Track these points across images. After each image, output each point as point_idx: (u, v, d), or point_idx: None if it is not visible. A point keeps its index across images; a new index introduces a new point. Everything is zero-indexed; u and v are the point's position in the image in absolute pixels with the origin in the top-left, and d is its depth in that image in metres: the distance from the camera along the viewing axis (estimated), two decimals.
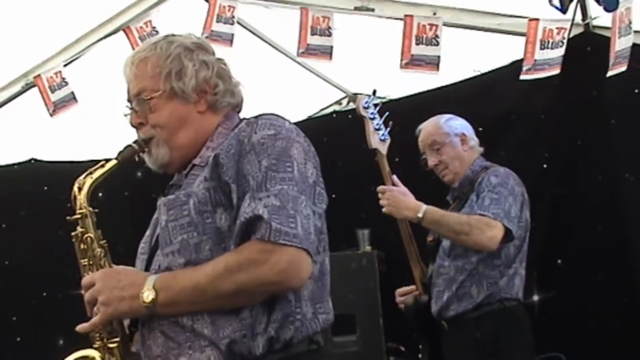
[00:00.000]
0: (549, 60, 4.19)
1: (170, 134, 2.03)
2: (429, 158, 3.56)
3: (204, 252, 1.88)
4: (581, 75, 4.24)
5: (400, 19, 4.65)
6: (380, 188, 3.40)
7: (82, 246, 2.00)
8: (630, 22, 3.69)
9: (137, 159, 2.08)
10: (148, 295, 1.84)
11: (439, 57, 4.44)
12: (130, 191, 5.50)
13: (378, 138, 3.41)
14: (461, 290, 3.34)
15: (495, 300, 3.31)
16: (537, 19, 4.24)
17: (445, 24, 4.47)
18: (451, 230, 3.28)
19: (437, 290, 3.42)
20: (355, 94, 7.06)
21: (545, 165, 4.40)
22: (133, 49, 5.19)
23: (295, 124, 2.00)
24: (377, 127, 3.40)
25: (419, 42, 4.51)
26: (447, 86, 4.85)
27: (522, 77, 4.22)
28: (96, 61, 5.42)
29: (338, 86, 6.82)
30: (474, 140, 3.59)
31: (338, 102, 7.11)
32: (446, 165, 3.53)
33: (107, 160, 2.05)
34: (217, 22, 5.07)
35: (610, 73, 3.80)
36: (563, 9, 3.72)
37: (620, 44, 3.74)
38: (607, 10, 3.29)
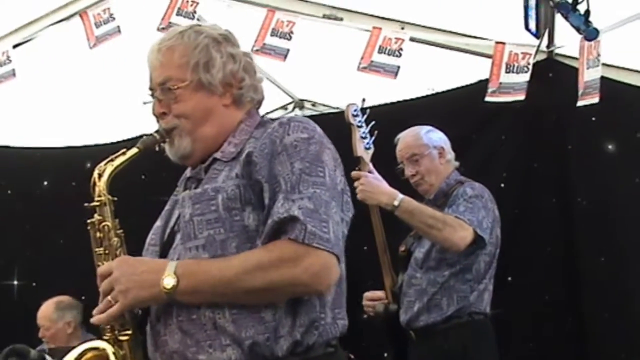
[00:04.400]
0: (514, 85, 4.34)
1: (195, 125, 2.02)
2: (406, 168, 3.61)
3: (229, 250, 1.86)
4: (542, 100, 4.40)
5: (368, 30, 4.72)
6: (354, 173, 3.37)
7: (98, 234, 1.97)
8: (598, 55, 3.85)
9: (157, 148, 2.06)
10: (169, 281, 1.81)
11: (398, 67, 4.49)
12: (78, 182, 5.35)
13: (363, 146, 3.43)
14: (432, 302, 3.40)
15: (465, 314, 3.39)
16: (503, 43, 4.38)
17: (412, 39, 4.56)
18: (424, 223, 3.30)
19: (408, 300, 3.48)
20: (302, 100, 7.14)
21: (502, 185, 4.53)
22: (87, 35, 5.10)
23: None
24: (363, 135, 3.43)
25: (381, 51, 4.57)
26: (408, 101, 4.93)
27: (487, 98, 4.35)
28: (48, 45, 5.28)
29: (286, 91, 6.85)
30: (450, 154, 3.67)
31: (284, 107, 7.14)
32: (422, 176, 3.59)
33: (129, 148, 2.02)
34: (177, 15, 5.03)
35: (580, 103, 3.97)
36: (537, 34, 3.85)
37: (589, 75, 3.91)
38: (587, 39, 3.43)
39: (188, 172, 2.13)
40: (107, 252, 1.95)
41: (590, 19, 3.43)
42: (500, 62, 4.38)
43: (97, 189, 1.97)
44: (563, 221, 4.42)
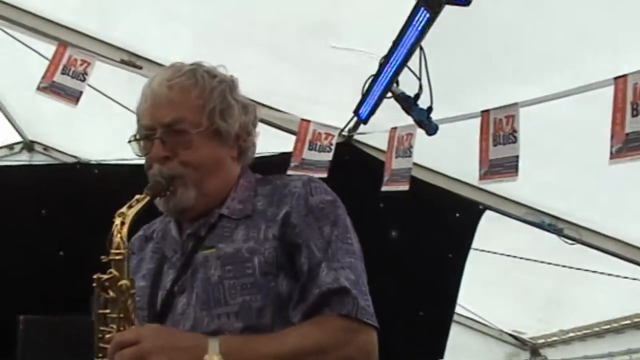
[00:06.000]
0: (316, 162, 4.47)
1: (204, 176, 1.83)
2: None
3: (265, 318, 1.72)
4: (339, 181, 4.56)
5: None
6: None
7: (110, 294, 1.65)
8: (410, 147, 4.11)
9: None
10: None
11: None
12: None
13: None
14: None
15: None
16: (308, 121, 4.51)
17: None
18: None
19: None
20: (32, 142, 6.59)
21: None
22: None
23: None
24: None
25: None
26: None
27: (289, 172, 4.41)
28: None
29: (17, 128, 6.33)
30: None
31: (9, 147, 6.58)
32: None
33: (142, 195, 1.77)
34: None
35: (385, 188, 4.17)
36: (366, 120, 4.01)
37: (399, 164, 4.15)
38: (428, 134, 3.64)
39: (157, 226, 1.92)
40: (121, 315, 1.64)
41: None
42: (304, 139, 4.49)
43: (116, 240, 1.66)
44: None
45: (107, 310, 1.66)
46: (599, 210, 4.52)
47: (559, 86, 3.42)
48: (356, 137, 4.69)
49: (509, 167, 3.57)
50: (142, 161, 4.99)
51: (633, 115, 2.99)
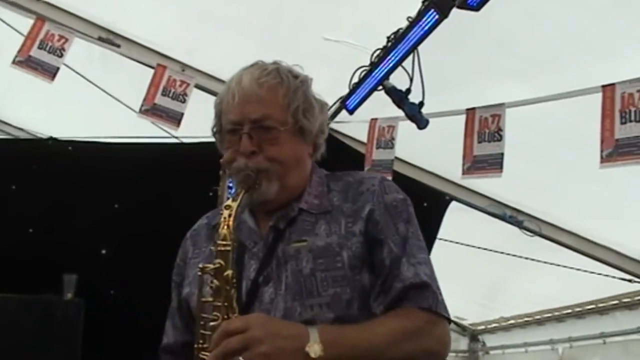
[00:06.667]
0: None
1: (286, 171, 1.89)
2: None
3: (352, 309, 1.81)
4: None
5: (148, 65, 4.53)
6: None
7: (215, 283, 1.71)
8: (393, 138, 4.23)
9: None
10: (316, 350, 1.65)
11: (182, 114, 4.42)
12: None
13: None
14: None
15: None
16: None
17: (196, 86, 4.48)
18: None
19: None
20: None
21: None
22: None
23: None
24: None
25: (165, 94, 4.44)
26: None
27: None
28: None
29: None
30: None
31: None
32: None
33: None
34: None
35: None
36: (352, 111, 4.09)
37: (380, 155, 4.26)
38: (419, 128, 3.74)
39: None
40: (225, 304, 1.69)
41: None
42: None
43: (222, 232, 1.72)
44: None
45: (211, 299, 1.71)
46: (557, 204, 4.76)
47: (546, 88, 3.59)
48: (332, 125, 4.76)
49: (493, 164, 3.72)
50: (116, 140, 4.95)
51: (622, 123, 3.18)
